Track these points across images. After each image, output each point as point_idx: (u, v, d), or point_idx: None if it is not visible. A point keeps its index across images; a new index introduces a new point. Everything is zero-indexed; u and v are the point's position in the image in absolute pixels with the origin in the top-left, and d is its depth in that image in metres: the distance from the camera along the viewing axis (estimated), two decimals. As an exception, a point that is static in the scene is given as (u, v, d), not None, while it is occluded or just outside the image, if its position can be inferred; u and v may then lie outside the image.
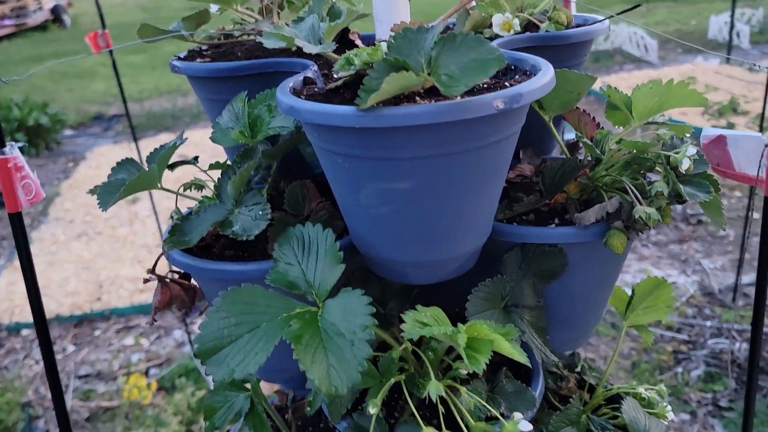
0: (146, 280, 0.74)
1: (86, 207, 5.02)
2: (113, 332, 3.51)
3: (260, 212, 0.64)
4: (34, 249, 4.41)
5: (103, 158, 6.10)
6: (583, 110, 0.84)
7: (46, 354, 0.97)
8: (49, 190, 5.49)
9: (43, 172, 5.93)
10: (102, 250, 4.31)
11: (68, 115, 7.08)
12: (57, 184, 5.61)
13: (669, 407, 0.84)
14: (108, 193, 0.69)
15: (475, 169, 0.58)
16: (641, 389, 0.89)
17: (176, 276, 0.76)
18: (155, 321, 0.78)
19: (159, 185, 0.74)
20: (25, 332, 3.55)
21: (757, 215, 4.42)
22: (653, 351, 3.12)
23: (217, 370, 0.56)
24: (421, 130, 0.52)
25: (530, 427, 0.62)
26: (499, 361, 0.74)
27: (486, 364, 0.55)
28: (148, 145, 6.36)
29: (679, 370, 3.01)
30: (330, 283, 0.59)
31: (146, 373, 3.07)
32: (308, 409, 0.66)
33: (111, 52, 2.32)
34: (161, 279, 0.74)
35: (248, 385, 0.83)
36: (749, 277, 3.67)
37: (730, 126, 5.94)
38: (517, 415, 0.63)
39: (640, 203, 0.65)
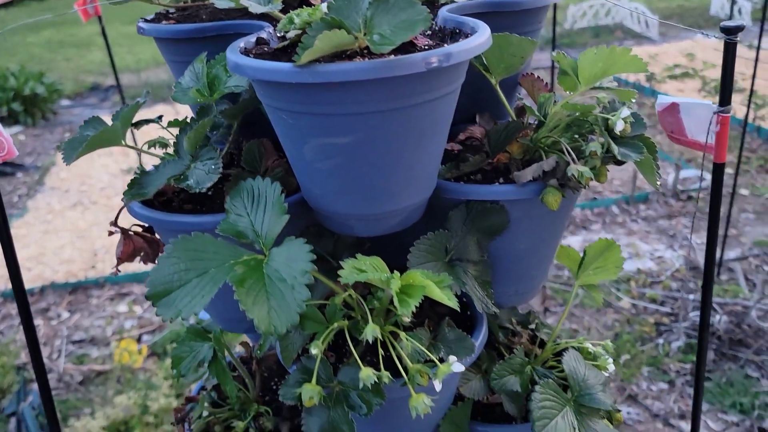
0: (110, 233, 0.78)
1: (82, 177, 5.05)
2: (107, 299, 3.57)
3: (213, 166, 0.67)
4: (29, 218, 4.45)
5: (99, 129, 6.11)
6: (537, 76, 0.87)
7: (24, 319, 0.99)
8: (45, 159, 5.52)
9: (39, 142, 5.95)
10: (97, 219, 4.36)
11: (65, 85, 7.07)
12: (53, 153, 5.63)
13: (611, 360, 0.88)
14: (72, 148, 0.72)
15: (412, 126, 0.61)
16: (588, 344, 0.93)
17: (140, 230, 0.80)
18: (119, 271, 0.82)
19: (123, 142, 0.77)
20: (20, 298, 3.60)
21: (745, 191, 4.44)
22: (636, 323, 3.18)
23: (166, 311, 0.60)
24: (355, 86, 0.56)
25: (462, 367, 0.67)
26: (444, 313, 0.78)
27: (417, 307, 0.59)
28: (144, 115, 6.35)
29: (660, 341, 3.07)
30: (275, 232, 0.63)
31: (138, 340, 3.13)
32: (258, 352, 0.70)
33: (100, 18, 2.33)
34: (124, 231, 0.78)
35: (212, 336, 0.88)
36: (735, 252, 3.72)
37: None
38: (452, 358, 0.67)
39: (575, 162, 0.69)
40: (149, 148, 0.80)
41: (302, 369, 0.70)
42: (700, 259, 3.68)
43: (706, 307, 1.08)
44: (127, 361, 2.63)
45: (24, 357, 3.10)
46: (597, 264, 0.95)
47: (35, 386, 2.91)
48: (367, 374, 0.64)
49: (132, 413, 2.53)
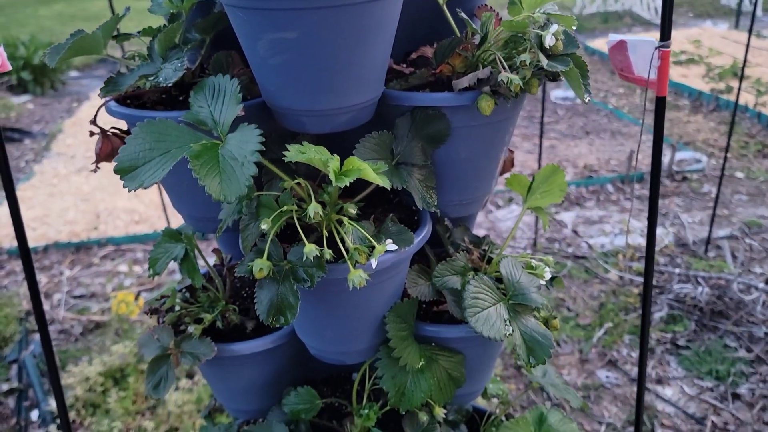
0: (91, 133, 0.86)
1: (87, 143, 5.15)
2: (108, 259, 3.68)
3: (179, 64, 0.75)
4: (35, 181, 4.56)
5: (106, 99, 6.20)
6: (491, 7, 0.94)
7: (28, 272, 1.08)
8: (52, 127, 5.62)
9: (47, 110, 6.05)
10: (101, 184, 4.46)
11: (74, 56, 7.15)
12: (60, 121, 5.74)
13: (547, 269, 0.96)
14: (56, 52, 0.80)
15: (358, 24, 0.68)
16: (531, 259, 1.01)
17: (118, 131, 0.88)
18: (98, 168, 0.90)
19: (104, 52, 0.85)
20: (25, 256, 3.71)
21: (740, 173, 4.48)
22: (621, 294, 3.25)
23: (131, 183, 0.68)
24: (300, -19, 0.63)
25: (395, 247, 0.75)
26: (390, 210, 0.86)
27: (364, 209, 0.67)
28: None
29: (644, 311, 3.13)
30: (231, 119, 0.71)
31: (137, 297, 3.23)
32: (217, 234, 0.78)
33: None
34: (103, 131, 0.86)
35: (184, 237, 0.96)
36: (724, 230, 3.77)
37: (728, 90, 5.95)
38: (389, 240, 0.75)
39: (507, 71, 0.76)
40: (129, 59, 0.88)
41: (257, 251, 0.78)
42: (690, 236, 3.74)
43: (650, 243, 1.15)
44: (124, 311, 2.73)
45: (26, 304, 3.21)
46: (544, 188, 1.02)
47: (36, 336, 3.02)
48: (310, 249, 0.72)
49: (128, 361, 2.64)
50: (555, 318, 0.97)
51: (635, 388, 2.71)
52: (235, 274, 0.77)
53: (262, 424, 0.94)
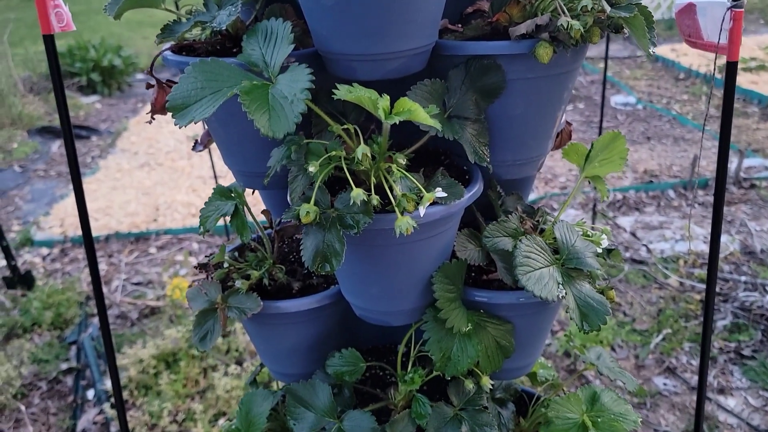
0: (148, 85, 0.88)
1: (150, 141, 5.33)
2: (165, 249, 3.78)
3: (233, 9, 0.76)
4: (100, 175, 4.74)
5: (169, 100, 6.40)
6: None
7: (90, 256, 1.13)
8: (118, 125, 5.84)
9: (113, 110, 6.29)
10: (161, 179, 4.60)
11: (140, 59, 7.43)
12: (125, 120, 5.96)
13: (605, 238, 0.92)
14: (115, 4, 0.82)
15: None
16: (588, 228, 0.97)
17: (174, 83, 0.89)
18: (153, 119, 0.91)
19: (162, 5, 0.86)
20: (87, 244, 3.85)
21: (815, 182, 4.24)
22: (681, 300, 3.12)
23: (182, 120, 0.69)
24: None
25: (445, 194, 0.72)
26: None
27: (398, 142, 0.65)
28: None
29: (706, 319, 2.99)
30: (281, 60, 0.71)
31: (191, 285, 3.29)
32: (265, 181, 0.78)
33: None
34: (159, 82, 0.87)
35: (235, 194, 0.96)
36: (795, 239, 3.57)
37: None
38: (438, 188, 0.73)
39: (566, 16, 0.73)
40: (186, 13, 0.90)
41: (304, 198, 0.77)
42: (758, 244, 3.56)
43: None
44: (179, 297, 2.79)
45: (86, 288, 3.33)
46: (603, 156, 0.98)
47: (95, 319, 3.12)
48: (357, 193, 0.71)
49: (180, 346, 2.69)
50: (611, 289, 0.92)
51: (695, 397, 2.58)
52: (282, 219, 0.76)
53: (306, 383, 0.93)
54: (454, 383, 0.95)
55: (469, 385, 0.94)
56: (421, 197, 0.72)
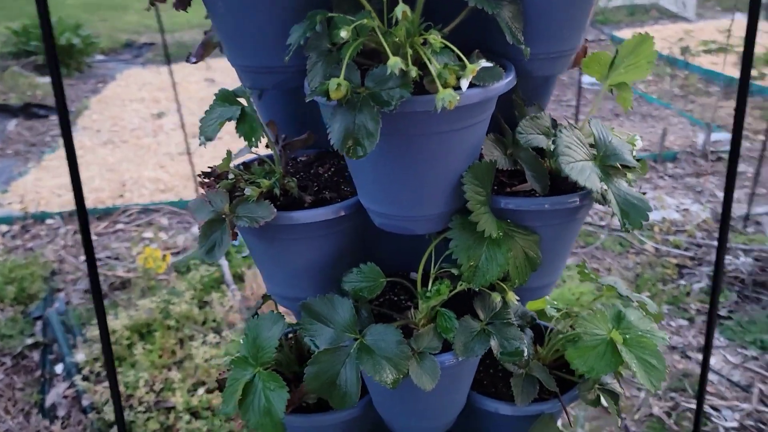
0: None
1: (113, 119, 5.14)
2: (134, 226, 3.64)
3: None
4: (61, 153, 4.54)
5: (131, 79, 6.21)
6: None
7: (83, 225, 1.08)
8: (78, 104, 5.62)
9: (73, 90, 6.05)
10: (126, 156, 4.44)
11: (100, 40, 7.18)
12: (86, 99, 5.74)
13: (639, 139, 0.88)
14: None
15: None
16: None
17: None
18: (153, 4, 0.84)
19: None
20: (49, 221, 3.69)
21: (779, 154, 4.35)
22: (658, 265, 3.15)
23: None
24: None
25: (490, 64, 0.67)
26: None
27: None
28: (179, 69, 6.44)
29: (683, 282, 3.04)
30: None
31: (164, 256, 3.18)
32: (286, 58, 0.71)
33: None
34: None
35: (241, 100, 0.89)
36: (762, 207, 3.66)
37: (761, 76, 5.82)
38: (483, 61, 0.68)
39: None
40: None
41: (330, 75, 0.70)
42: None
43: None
44: (151, 266, 2.68)
45: (51, 261, 3.17)
46: (629, 61, 0.94)
47: (61, 294, 2.98)
48: (394, 61, 0.65)
49: (154, 317, 2.59)
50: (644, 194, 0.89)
51: (675, 356, 2.61)
52: (306, 100, 0.70)
53: (323, 297, 0.87)
54: (479, 297, 0.90)
55: (497, 298, 0.89)
56: (464, 69, 0.66)
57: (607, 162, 0.80)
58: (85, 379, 2.40)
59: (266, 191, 0.88)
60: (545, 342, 1.10)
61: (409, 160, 0.77)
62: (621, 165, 0.82)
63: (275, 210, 0.83)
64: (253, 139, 0.85)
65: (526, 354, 0.89)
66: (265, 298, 1.15)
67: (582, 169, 0.75)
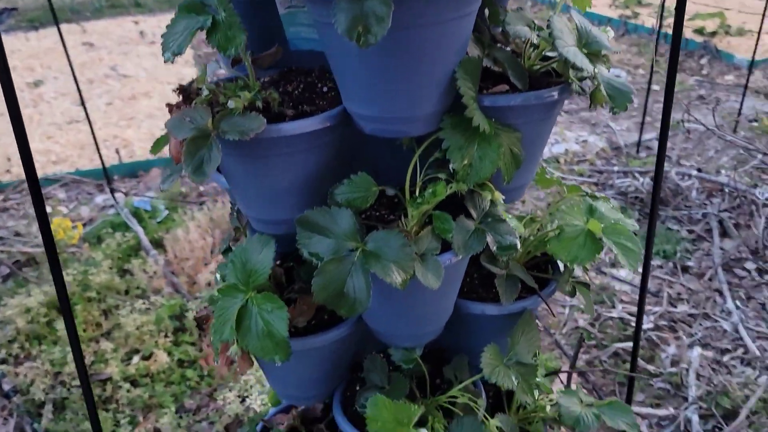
0: None
1: (-19, 90, 4.64)
2: (28, 202, 3.35)
3: None
4: (-75, 130, 4.06)
5: (-5, 46, 5.61)
6: None
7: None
8: (-65, 77, 5.02)
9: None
10: (5, 129, 4.03)
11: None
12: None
13: (610, 30, 0.92)
14: None
15: None
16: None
17: None
18: None
19: None
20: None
21: (656, 86, 4.69)
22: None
23: None
24: None
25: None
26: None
27: None
28: (47, 34, 5.90)
29: (591, 206, 3.23)
30: None
31: (74, 226, 2.96)
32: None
33: None
34: None
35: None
36: (650, 134, 3.95)
37: (635, 15, 6.21)
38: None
39: None
40: None
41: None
42: (621, 141, 3.89)
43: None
44: (63, 237, 2.49)
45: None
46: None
47: (-44, 280, 2.71)
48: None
49: (72, 290, 2.42)
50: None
51: (591, 273, 2.80)
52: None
53: (321, 209, 0.85)
54: (469, 197, 0.91)
55: (487, 196, 0.91)
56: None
57: (590, 49, 0.83)
58: (3, 362, 2.21)
59: (247, 105, 0.83)
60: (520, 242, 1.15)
61: (404, 54, 0.76)
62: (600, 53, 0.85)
63: (265, 120, 0.79)
64: (231, 49, 0.80)
65: (518, 246, 0.92)
66: (237, 230, 1.11)
67: (575, 53, 0.77)
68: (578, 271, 1.15)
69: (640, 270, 1.23)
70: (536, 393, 1.19)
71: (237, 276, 0.91)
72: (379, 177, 1.01)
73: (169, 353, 2.25)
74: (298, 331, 1.01)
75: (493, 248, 0.89)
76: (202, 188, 3.43)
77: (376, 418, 0.91)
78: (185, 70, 4.93)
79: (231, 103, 0.80)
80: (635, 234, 1.01)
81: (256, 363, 1.08)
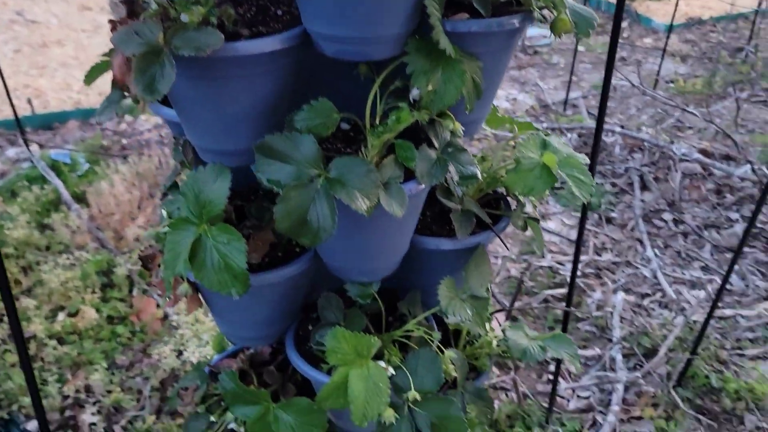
0: None
1: None
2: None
3: None
4: None
5: None
6: None
7: None
8: None
9: None
10: None
11: None
12: None
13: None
14: None
15: None
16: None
17: None
18: None
19: None
20: None
21: (581, 47, 4.83)
22: (499, 149, 3.40)
23: None
24: None
25: None
26: None
27: None
28: None
29: (521, 161, 3.31)
30: None
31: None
32: None
33: None
34: None
35: None
36: (577, 93, 4.07)
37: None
38: None
39: None
40: None
41: None
42: (549, 99, 3.99)
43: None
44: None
45: None
46: None
47: None
48: None
49: (-16, 246, 2.26)
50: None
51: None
52: None
53: (281, 135, 0.81)
54: (431, 127, 0.90)
55: (449, 125, 0.90)
56: None
57: (552, -23, 0.83)
58: None
59: (201, 21, 0.78)
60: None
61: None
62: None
63: (223, 36, 0.74)
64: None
65: (479, 176, 0.93)
66: (182, 164, 1.05)
67: (542, -23, 0.76)
68: (529, 208, 1.17)
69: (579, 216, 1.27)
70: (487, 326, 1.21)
71: (189, 208, 0.86)
72: (345, 102, 0.98)
73: (98, 310, 2.15)
74: (252, 268, 0.98)
75: (456, 178, 0.89)
76: (125, 141, 3.26)
77: (336, 350, 0.90)
78: (100, 17, 4.62)
79: (184, 17, 0.75)
80: (563, 187, 1.04)
81: (201, 312, 1.05)
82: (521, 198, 1.16)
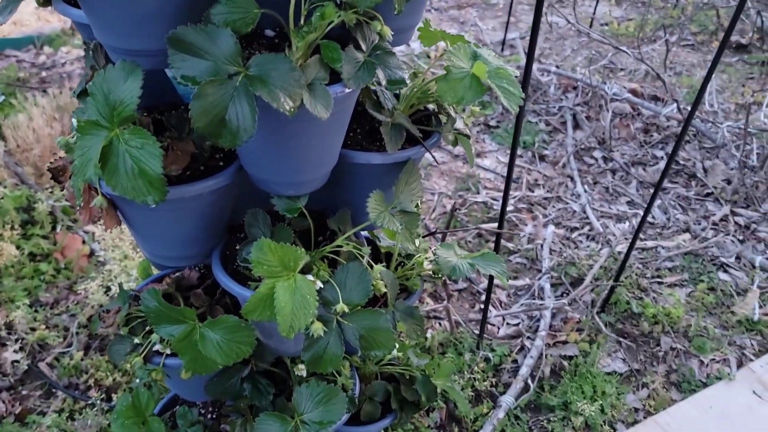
0: None
1: None
2: None
3: None
4: None
5: None
6: None
7: None
8: None
9: None
10: None
11: None
12: None
13: None
14: None
15: None
16: None
17: None
18: None
19: None
20: None
21: (522, -12, 4.80)
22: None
23: None
24: None
25: None
26: None
27: None
28: None
29: (458, 100, 3.31)
30: None
31: None
32: None
33: None
34: None
35: None
36: (514, 34, 4.06)
37: None
38: None
39: None
40: None
41: None
42: (488, 39, 3.98)
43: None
44: None
45: None
46: None
47: None
48: None
49: None
50: None
51: (459, 163, 2.91)
52: None
53: (197, 27, 0.76)
54: (358, 28, 0.87)
55: (377, 27, 0.87)
56: None
57: None
58: None
59: None
60: (400, 98, 1.13)
61: None
62: None
63: None
64: None
65: (407, 80, 0.90)
66: (93, 69, 0.98)
67: None
68: (459, 124, 1.17)
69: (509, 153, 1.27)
70: (417, 243, 1.22)
71: (99, 110, 0.81)
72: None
73: (18, 247, 2.04)
74: (172, 181, 0.93)
75: (383, 82, 0.87)
76: (44, 73, 3.06)
77: (262, 262, 0.88)
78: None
79: None
80: (498, 126, 1.03)
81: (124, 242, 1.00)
82: (452, 114, 1.15)
